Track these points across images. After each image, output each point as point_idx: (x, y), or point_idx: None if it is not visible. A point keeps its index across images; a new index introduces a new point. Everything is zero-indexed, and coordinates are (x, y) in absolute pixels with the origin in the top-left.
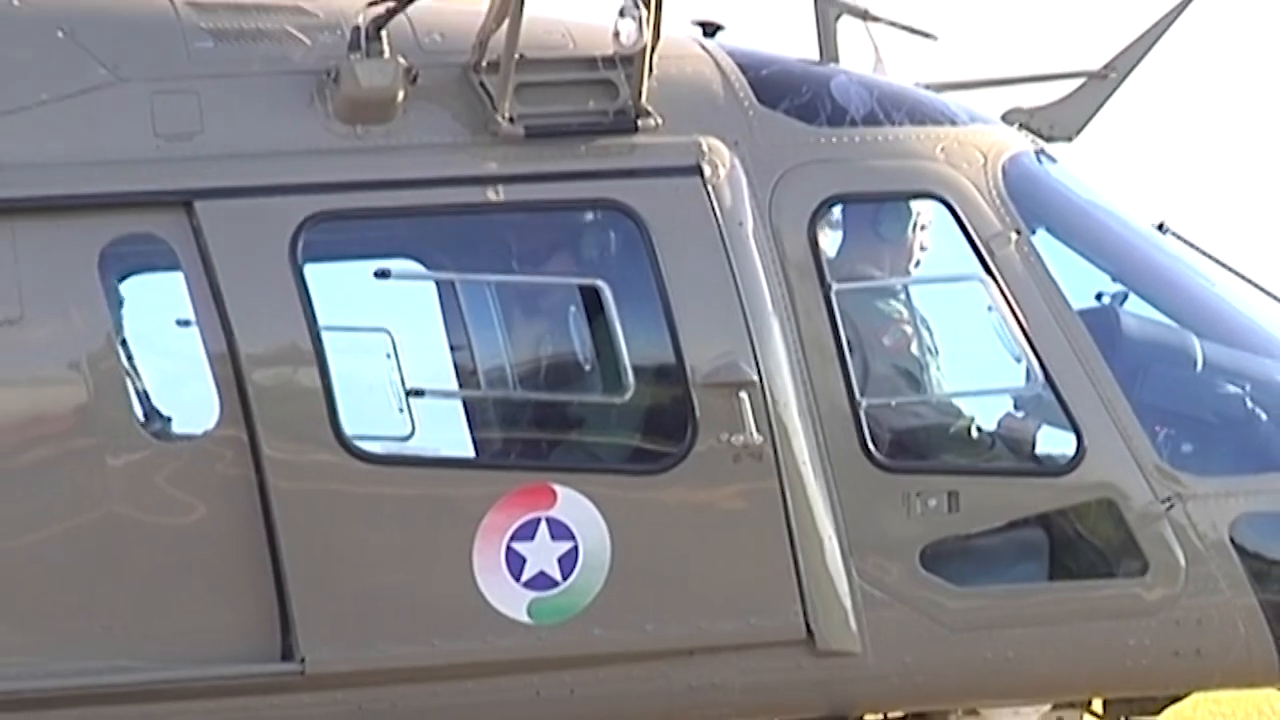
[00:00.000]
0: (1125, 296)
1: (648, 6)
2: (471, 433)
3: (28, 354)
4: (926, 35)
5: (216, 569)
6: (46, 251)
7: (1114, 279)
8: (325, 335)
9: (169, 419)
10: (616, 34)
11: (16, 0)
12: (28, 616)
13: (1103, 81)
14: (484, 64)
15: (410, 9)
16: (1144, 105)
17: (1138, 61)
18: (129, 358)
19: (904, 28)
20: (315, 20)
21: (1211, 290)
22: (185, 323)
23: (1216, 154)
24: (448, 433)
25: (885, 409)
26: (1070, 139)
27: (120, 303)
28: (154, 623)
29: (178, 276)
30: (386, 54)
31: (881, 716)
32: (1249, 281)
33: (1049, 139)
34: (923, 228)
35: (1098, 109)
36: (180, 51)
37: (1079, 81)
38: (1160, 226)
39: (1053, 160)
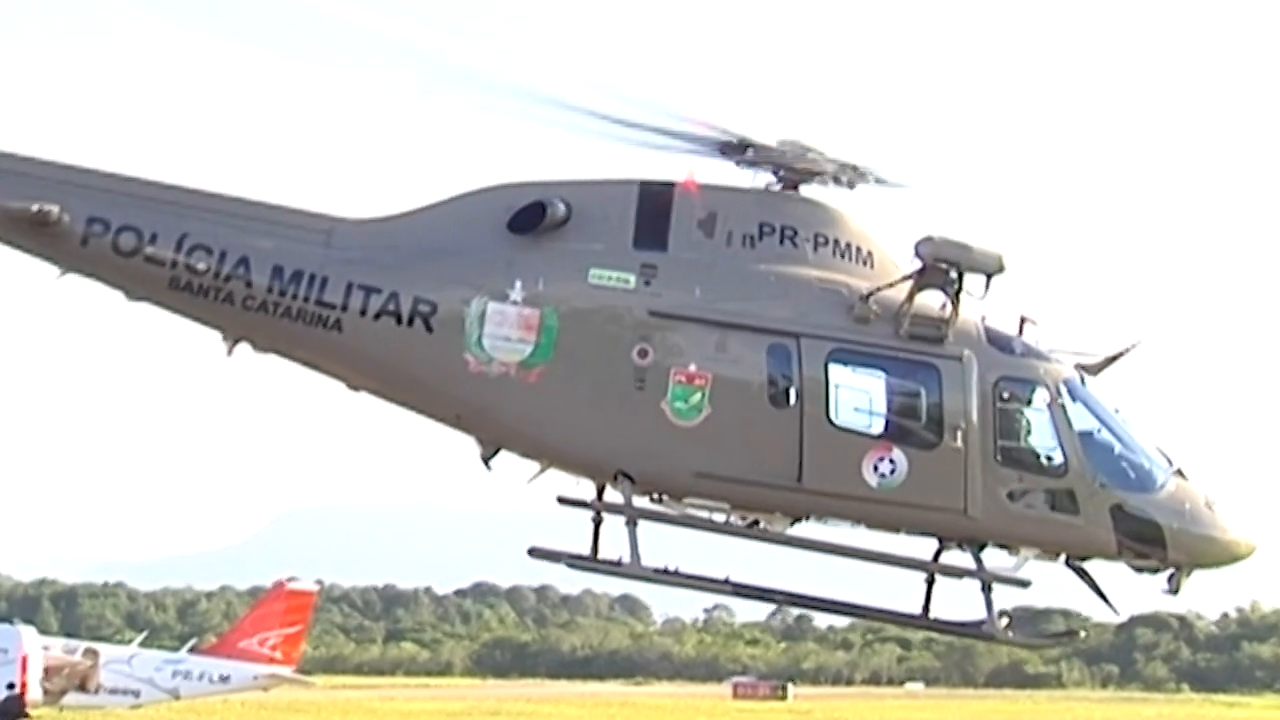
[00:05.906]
0: (1099, 429)
1: (954, 303)
2: (866, 428)
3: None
4: (1034, 322)
5: (785, 453)
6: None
7: (1097, 420)
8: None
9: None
10: (942, 305)
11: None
12: (751, 458)
13: (1098, 364)
14: (900, 313)
15: (883, 292)
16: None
17: (1112, 363)
18: None
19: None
20: (851, 291)
21: (1127, 430)
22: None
23: None
24: (860, 426)
25: (1006, 447)
26: (1095, 375)
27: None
28: (764, 462)
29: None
30: (871, 306)
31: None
32: (1144, 430)
33: (1089, 371)
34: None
35: (1102, 370)
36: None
37: (1100, 358)
38: (1116, 410)
39: (1084, 380)
